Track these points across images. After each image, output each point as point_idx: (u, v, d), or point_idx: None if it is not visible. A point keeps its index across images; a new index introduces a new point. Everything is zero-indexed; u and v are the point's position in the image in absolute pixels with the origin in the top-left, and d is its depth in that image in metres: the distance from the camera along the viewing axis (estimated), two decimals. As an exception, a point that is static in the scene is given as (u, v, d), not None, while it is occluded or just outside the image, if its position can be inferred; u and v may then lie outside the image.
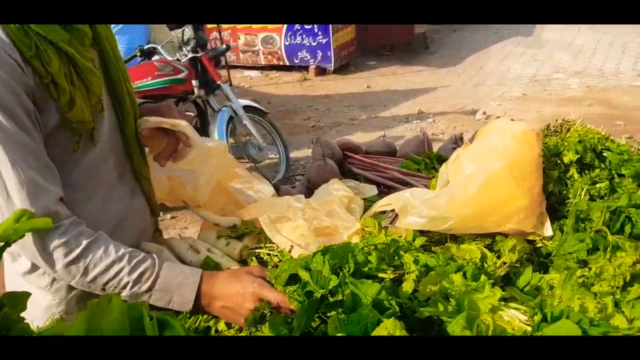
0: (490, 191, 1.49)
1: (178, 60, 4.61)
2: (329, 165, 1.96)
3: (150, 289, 1.21)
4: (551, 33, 10.19)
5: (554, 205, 1.60)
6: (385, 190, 1.93)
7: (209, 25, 8.40)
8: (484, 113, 6.51)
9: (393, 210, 1.65)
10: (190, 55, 4.56)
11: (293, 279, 1.23)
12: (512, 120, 1.87)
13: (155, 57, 4.67)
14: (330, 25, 8.02)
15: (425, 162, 1.99)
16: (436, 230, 1.53)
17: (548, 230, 1.53)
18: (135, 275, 1.20)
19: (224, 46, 4.98)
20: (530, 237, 1.54)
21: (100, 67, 1.34)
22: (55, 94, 1.17)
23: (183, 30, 4.75)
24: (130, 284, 1.20)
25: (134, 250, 1.24)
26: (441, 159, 1.97)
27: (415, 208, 1.52)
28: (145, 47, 4.68)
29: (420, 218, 1.51)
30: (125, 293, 1.20)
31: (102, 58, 1.34)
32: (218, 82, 4.65)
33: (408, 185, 1.87)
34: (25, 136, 1.12)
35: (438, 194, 1.56)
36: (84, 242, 1.18)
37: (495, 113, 6.50)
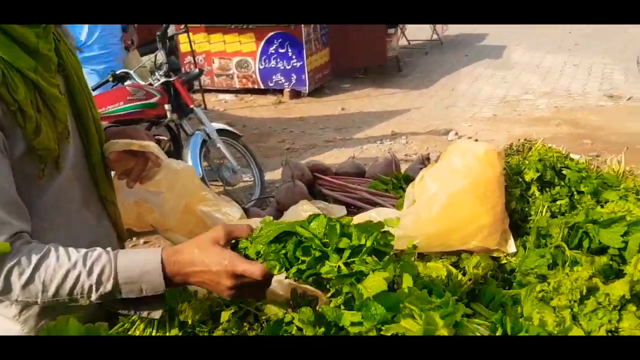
0: (454, 210, 1.53)
1: (151, 84, 4.61)
2: (298, 186, 1.98)
3: (115, 285, 1.15)
4: (519, 55, 10.46)
5: (517, 223, 1.64)
6: (354, 210, 1.95)
7: (182, 50, 8.44)
8: (456, 134, 6.62)
9: (361, 230, 1.67)
10: (163, 79, 4.57)
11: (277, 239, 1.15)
12: (476, 140, 1.93)
13: (128, 82, 4.67)
14: (304, 49, 8.12)
15: (393, 183, 2.02)
16: (403, 249, 1.55)
17: (511, 247, 1.57)
18: (94, 277, 1.14)
19: (197, 70, 5.00)
20: (495, 254, 1.58)
21: (66, 93, 1.34)
22: (22, 121, 1.16)
23: (155, 55, 4.77)
24: (94, 287, 1.14)
25: (88, 251, 1.18)
26: (409, 179, 2.00)
27: (381, 227, 1.54)
28: (118, 72, 4.68)
29: (387, 237, 1.54)
30: (94, 296, 1.15)
31: (67, 84, 1.34)
32: (191, 106, 4.66)
33: (376, 205, 1.90)
34: None
35: (404, 214, 1.59)
36: (35, 259, 1.13)
37: (467, 134, 6.61)
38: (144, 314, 1.20)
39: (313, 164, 2.18)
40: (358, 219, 1.68)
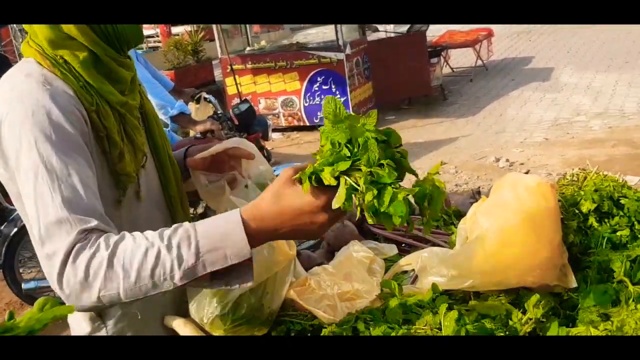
0: (509, 246, 1.48)
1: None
2: (348, 227, 1.97)
3: (197, 255, 1.06)
4: (568, 77, 10.23)
5: (576, 256, 1.58)
6: (406, 248, 1.93)
7: (229, 92, 8.68)
8: (507, 160, 6.49)
9: (414, 269, 1.65)
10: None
11: None
12: (527, 172, 1.88)
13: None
14: (348, 84, 8.21)
15: (444, 219, 1.99)
16: (458, 289, 1.52)
17: (572, 282, 1.51)
18: (174, 251, 1.06)
19: (269, 122, 5.11)
20: (556, 290, 1.52)
21: (143, 128, 1.42)
22: (108, 147, 1.26)
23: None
24: (176, 263, 1.05)
25: (162, 230, 1.11)
26: (459, 214, 1.97)
27: (434, 267, 1.52)
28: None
29: (441, 277, 1.51)
30: (177, 276, 1.06)
31: (144, 121, 1.44)
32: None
33: (428, 242, 1.87)
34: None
35: (456, 252, 1.56)
36: (111, 243, 1.07)
37: (519, 160, 6.47)
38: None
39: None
40: (409, 258, 1.66)
